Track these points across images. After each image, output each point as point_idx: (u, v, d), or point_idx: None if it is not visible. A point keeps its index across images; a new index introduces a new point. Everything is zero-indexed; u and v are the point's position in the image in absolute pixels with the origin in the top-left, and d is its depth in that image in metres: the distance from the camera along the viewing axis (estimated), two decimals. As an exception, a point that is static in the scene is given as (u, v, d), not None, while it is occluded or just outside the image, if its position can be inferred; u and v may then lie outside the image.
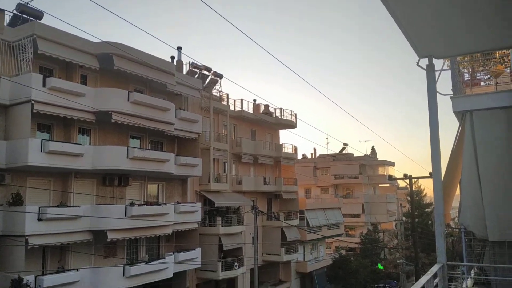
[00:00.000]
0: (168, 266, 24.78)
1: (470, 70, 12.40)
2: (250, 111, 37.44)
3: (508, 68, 12.28)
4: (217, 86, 33.47)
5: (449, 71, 11.55)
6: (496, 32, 5.28)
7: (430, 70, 6.11)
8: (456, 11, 4.79)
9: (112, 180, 23.77)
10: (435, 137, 5.93)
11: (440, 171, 5.98)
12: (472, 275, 10.49)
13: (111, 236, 21.64)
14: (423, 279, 4.72)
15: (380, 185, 66.24)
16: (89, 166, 21.66)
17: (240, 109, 35.89)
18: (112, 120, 22.52)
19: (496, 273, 9.28)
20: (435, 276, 5.16)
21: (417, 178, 31.63)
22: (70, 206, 21.16)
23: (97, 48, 22.55)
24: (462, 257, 10.87)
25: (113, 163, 22.42)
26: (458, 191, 12.48)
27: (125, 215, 22.32)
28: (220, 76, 33.22)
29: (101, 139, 23.90)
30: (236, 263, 30.57)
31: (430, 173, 30.40)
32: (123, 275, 22.05)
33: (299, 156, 55.36)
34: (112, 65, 22.87)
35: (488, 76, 13.19)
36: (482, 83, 12.95)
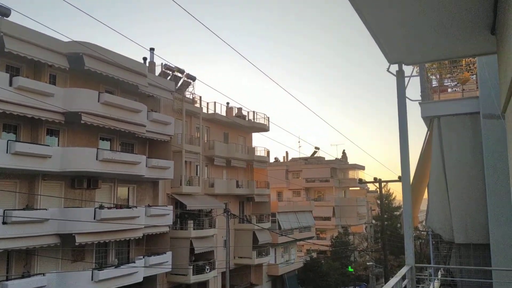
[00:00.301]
0: (138, 270, 24.41)
1: (438, 76, 12.76)
2: (223, 113, 37.38)
3: (474, 76, 12.70)
4: (190, 88, 33.33)
5: (418, 78, 11.89)
6: (464, 40, 5.46)
7: (400, 76, 6.25)
8: (425, 20, 4.92)
9: (81, 183, 23.28)
10: (404, 141, 6.07)
11: (409, 175, 6.12)
12: (439, 276, 10.77)
13: (79, 239, 21.17)
14: (392, 281, 4.81)
15: (350, 188, 67.18)
16: (57, 168, 21.15)
17: (213, 112, 35.78)
18: (82, 121, 22.07)
19: (462, 275, 9.56)
20: (403, 278, 5.27)
21: (387, 181, 32.18)
22: (37, 209, 20.58)
23: (67, 48, 22.07)
24: (430, 259, 11.15)
25: (82, 165, 21.96)
26: (425, 195, 12.82)
27: (94, 218, 21.87)
28: (193, 78, 33.06)
29: (70, 140, 23.39)
30: (207, 267, 30.38)
31: (399, 177, 31.01)
32: (92, 280, 21.60)
33: (272, 160, 55.62)
34: (82, 65, 22.43)
35: (455, 82, 13.61)
36: (449, 90, 13.35)
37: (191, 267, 29.23)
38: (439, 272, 11.00)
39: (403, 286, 5.26)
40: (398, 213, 58.28)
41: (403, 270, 5.43)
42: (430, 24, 5.02)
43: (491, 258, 9.02)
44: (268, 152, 41.49)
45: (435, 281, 10.35)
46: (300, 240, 45.38)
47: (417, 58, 6.58)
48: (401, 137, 6.09)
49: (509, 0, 3.59)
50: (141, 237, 25.66)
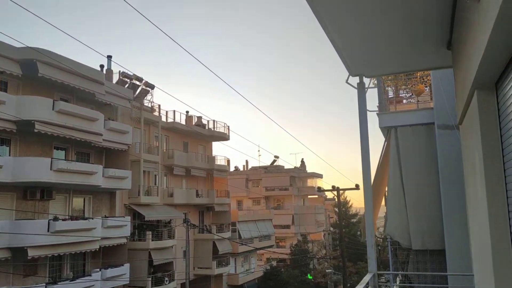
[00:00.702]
0: (94, 283, 23.65)
1: (394, 88, 13.22)
2: (183, 122, 37.02)
3: (428, 87, 13.24)
4: (149, 97, 32.83)
5: (375, 89, 12.27)
6: (422, 55, 5.70)
7: (361, 88, 6.44)
8: (385, 35, 5.11)
9: (34, 194, 22.34)
10: (366, 151, 6.24)
11: (370, 183, 6.28)
12: (398, 282, 11.07)
13: (32, 253, 20.29)
14: (357, 289, 4.92)
15: (309, 196, 68.00)
16: (9, 178, 20.25)
17: (172, 121, 35.39)
18: (35, 130, 21.27)
19: (419, 280, 9.87)
20: (367, 285, 5.39)
21: (344, 189, 32.84)
22: (-15, 222, 19.56)
23: (20, 54, 21.26)
24: (388, 265, 11.45)
25: (36, 175, 21.11)
26: (382, 202, 13.18)
27: (48, 231, 21.04)
28: (152, 87, 32.60)
29: (22, 150, 22.43)
30: (166, 278, 29.82)
31: (356, 185, 31.78)
32: (45, 295, 20.70)
33: (232, 168, 55.45)
34: (36, 72, 21.65)
35: (410, 94, 14.15)
36: (404, 101, 13.86)
37: (150, 279, 28.60)
38: (398, 278, 11.32)
39: (367, 293, 5.38)
40: (355, 220, 59.49)
41: (367, 278, 5.55)
42: (390, 40, 5.22)
43: (446, 263, 9.37)
44: (228, 161, 41.43)
45: (394, 287, 10.62)
46: (260, 249, 45.40)
47: (377, 71, 6.81)
48: (363, 147, 6.25)
49: (465, 19, 3.79)
50: (97, 249, 24.89)
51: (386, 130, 10.93)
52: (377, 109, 12.40)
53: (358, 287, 4.97)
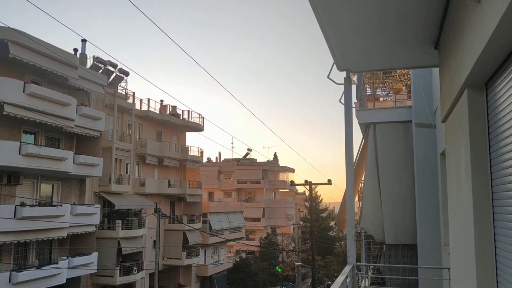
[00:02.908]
0: (61, 271, 23.17)
1: (373, 86, 13.45)
2: (157, 111, 36.55)
3: (404, 86, 13.53)
4: (123, 83, 32.23)
5: (354, 86, 12.43)
6: (409, 53, 5.81)
7: (348, 83, 6.52)
8: (375, 32, 5.18)
9: (1, 178, 21.67)
10: (349, 146, 6.34)
11: (352, 178, 6.39)
12: (370, 275, 11.34)
13: (-4, 239, 19.69)
14: (340, 279, 5.02)
15: (280, 190, 68.50)
16: (-26, 161, 19.55)
17: (146, 109, 34.88)
18: (4, 113, 20.59)
19: (391, 273, 10.14)
20: (346, 277, 5.51)
21: (317, 184, 33.15)
22: None
23: (-10, 33, 20.47)
24: (361, 259, 11.71)
25: (3, 159, 20.48)
26: (356, 198, 13.41)
27: (14, 217, 20.47)
28: (126, 73, 32.01)
29: (-11, 132, 21.69)
30: (135, 268, 29.53)
31: (328, 180, 32.21)
32: (10, 282, 20.18)
33: (204, 160, 55.22)
34: (6, 52, 20.90)
35: (387, 92, 14.42)
36: (381, 99, 14.12)
37: (118, 268, 28.25)
38: (369, 272, 11.58)
39: (347, 283, 5.50)
40: (324, 215, 60.32)
41: (347, 269, 5.66)
42: (381, 36, 5.30)
43: (417, 257, 9.65)
44: (201, 152, 41.22)
45: (366, 279, 10.87)
46: (230, 240, 45.49)
47: (364, 67, 6.91)
48: (347, 141, 6.35)
49: (460, 19, 3.89)
50: (65, 237, 24.38)
51: (364, 126, 11.12)
52: (354, 105, 12.60)
53: (341, 277, 5.08)
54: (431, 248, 9.44)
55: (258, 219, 59.54)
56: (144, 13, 9.23)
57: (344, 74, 7.16)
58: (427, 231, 9.50)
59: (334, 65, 6.62)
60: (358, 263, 7.38)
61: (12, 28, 20.85)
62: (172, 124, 37.62)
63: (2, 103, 20.39)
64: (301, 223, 65.24)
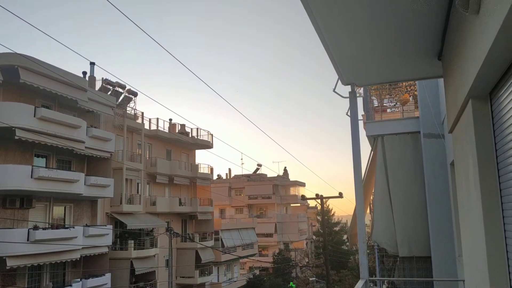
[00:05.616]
0: (75, 294, 23.17)
1: (380, 97, 13.44)
2: (166, 130, 36.81)
3: (411, 97, 13.50)
4: (132, 104, 32.60)
5: (360, 98, 12.44)
6: (413, 65, 5.83)
7: (353, 97, 6.54)
8: (378, 45, 5.21)
9: (14, 202, 21.88)
10: (357, 159, 6.32)
11: (361, 191, 6.36)
12: (384, 289, 11.18)
13: (10, 263, 19.81)
14: (352, 295, 4.97)
15: (291, 204, 68.17)
16: (-13, 186, 19.77)
17: (155, 128, 35.15)
18: (16, 137, 20.88)
19: (406, 286, 9.98)
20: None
21: (328, 198, 32.94)
22: (-38, 232, 19.05)
23: (0, 60, 20.89)
24: (374, 272, 11.54)
25: (15, 183, 20.70)
26: (368, 210, 13.31)
27: (28, 240, 20.59)
28: (135, 94, 32.39)
29: (2, 157, 21.99)
30: (148, 288, 29.46)
31: (340, 193, 31.99)
32: (24, 306, 20.21)
33: (214, 177, 55.30)
34: (17, 78, 21.30)
35: (394, 103, 14.40)
36: (388, 110, 14.10)
37: (132, 288, 28.20)
38: (384, 285, 11.42)
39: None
40: (337, 228, 59.74)
41: (359, 284, 5.60)
42: (383, 49, 5.32)
43: (432, 269, 9.50)
44: (211, 169, 41.29)
45: (381, 293, 10.72)
46: (243, 257, 45.23)
47: (368, 80, 6.92)
48: (354, 154, 6.33)
49: (460, 30, 3.91)
50: (78, 259, 24.44)
51: (373, 138, 11.09)
52: (362, 118, 12.59)
53: (353, 294, 5.02)
54: (446, 260, 9.31)
55: (270, 235, 59.16)
56: (153, 38, 9.38)
57: (349, 88, 7.22)
58: (440, 243, 9.38)
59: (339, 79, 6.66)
60: (371, 278, 7.29)
61: (21, 54, 21.27)
62: (181, 142, 37.82)
63: (14, 128, 20.68)
64: (314, 237, 64.63)
